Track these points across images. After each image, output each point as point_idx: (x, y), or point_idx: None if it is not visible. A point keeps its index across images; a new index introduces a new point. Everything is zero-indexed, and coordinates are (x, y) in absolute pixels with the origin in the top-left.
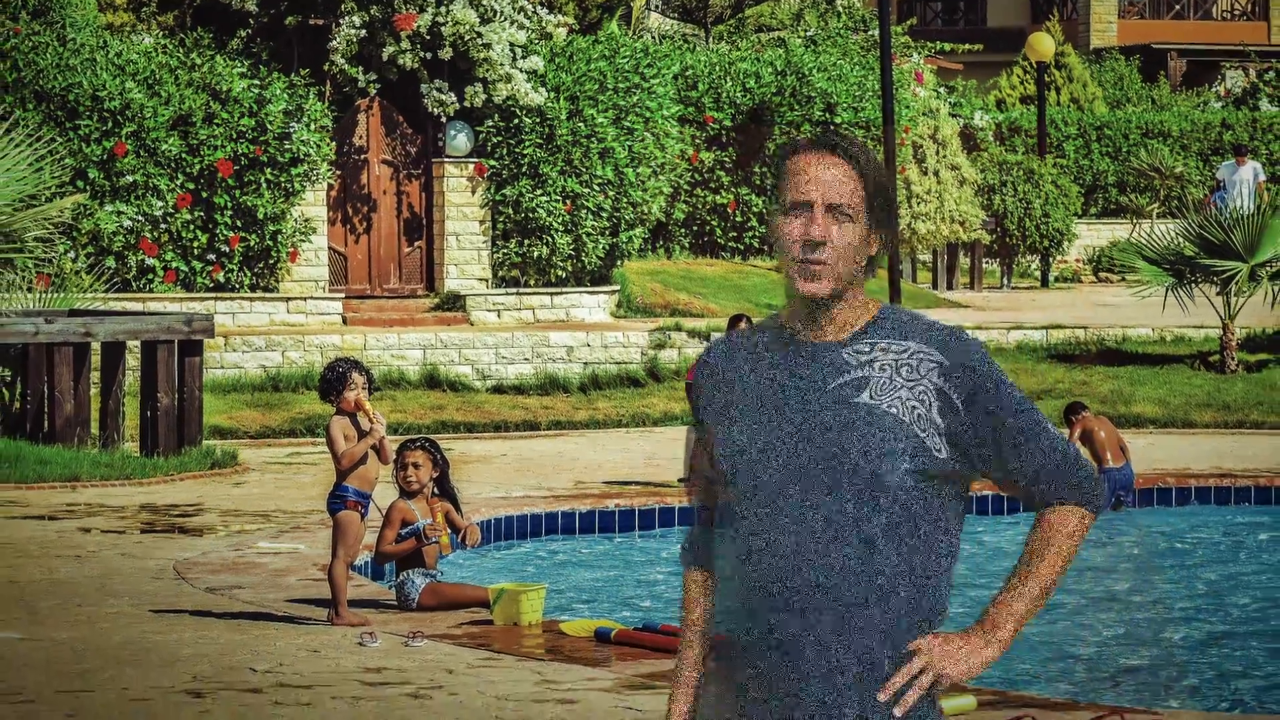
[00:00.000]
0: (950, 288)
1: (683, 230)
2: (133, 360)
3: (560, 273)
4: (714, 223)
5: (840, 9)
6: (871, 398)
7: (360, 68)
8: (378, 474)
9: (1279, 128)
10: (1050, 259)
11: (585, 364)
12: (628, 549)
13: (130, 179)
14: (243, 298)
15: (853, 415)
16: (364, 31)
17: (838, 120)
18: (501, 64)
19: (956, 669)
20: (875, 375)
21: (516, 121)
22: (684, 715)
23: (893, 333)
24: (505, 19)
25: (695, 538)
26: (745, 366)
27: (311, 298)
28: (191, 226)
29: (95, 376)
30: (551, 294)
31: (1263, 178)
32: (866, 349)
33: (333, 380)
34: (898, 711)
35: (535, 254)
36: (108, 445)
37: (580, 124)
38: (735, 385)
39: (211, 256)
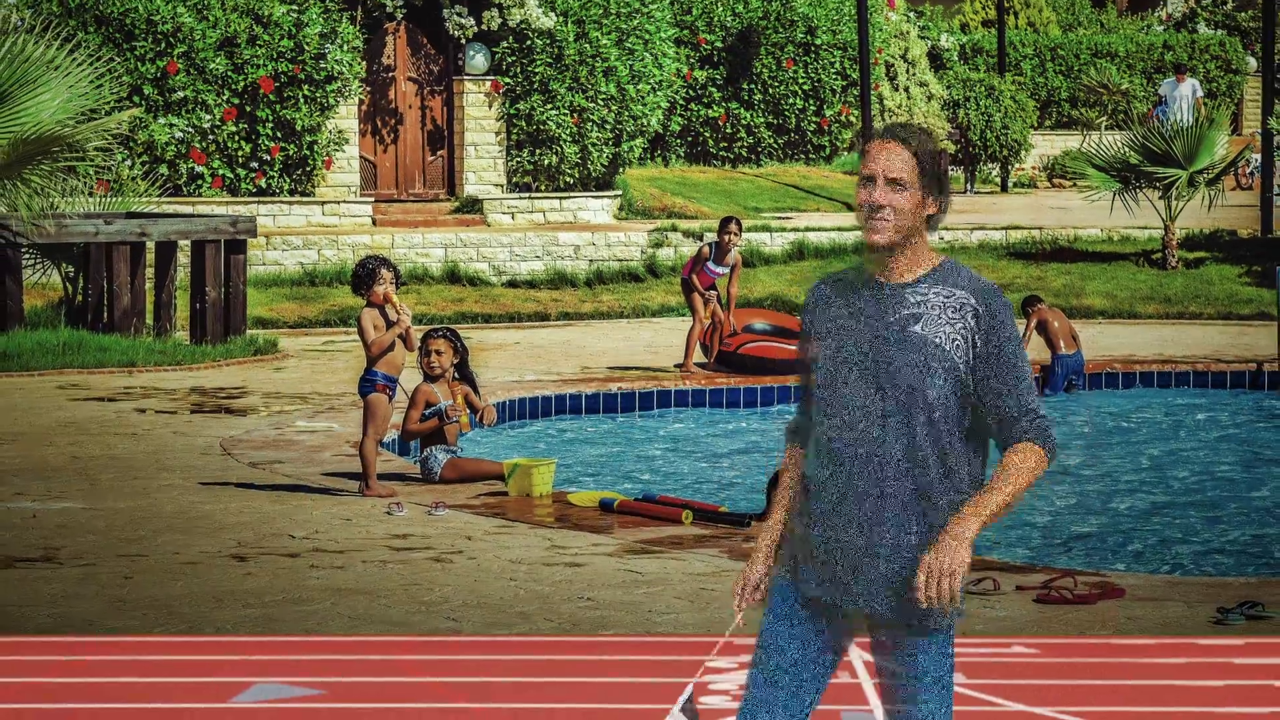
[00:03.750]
0: None
1: (678, 141)
2: (183, 258)
3: (568, 179)
4: (706, 134)
5: None
6: (922, 329)
7: None
8: (404, 360)
9: (1215, 49)
10: (1009, 167)
11: (591, 261)
12: (629, 427)
13: (181, 95)
14: (282, 201)
15: (906, 341)
16: None
17: (818, 41)
18: None
19: (950, 565)
20: (927, 312)
21: (529, 43)
22: (758, 579)
23: (945, 280)
24: None
25: (798, 421)
26: (838, 299)
27: (344, 201)
28: (236, 138)
29: (149, 272)
30: (560, 198)
31: (1200, 94)
32: (924, 291)
33: (364, 276)
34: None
35: (545, 162)
36: (161, 334)
37: (586, 45)
38: (830, 311)
39: (254, 164)
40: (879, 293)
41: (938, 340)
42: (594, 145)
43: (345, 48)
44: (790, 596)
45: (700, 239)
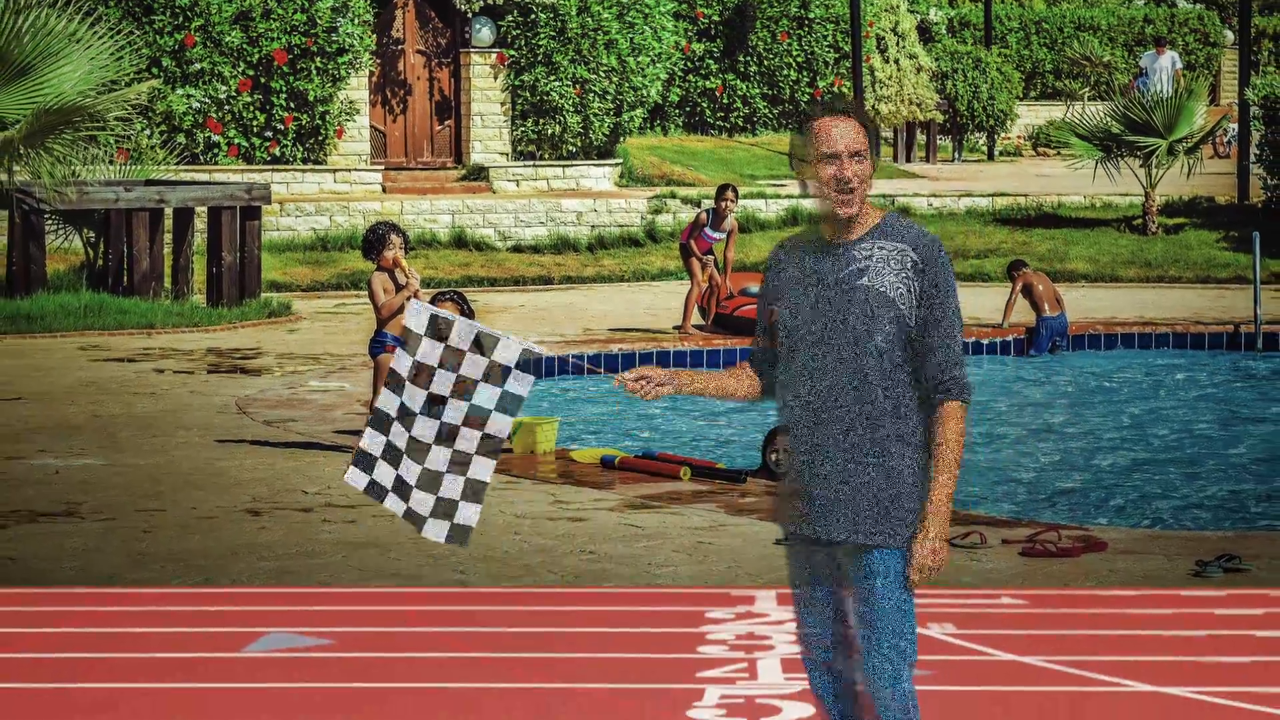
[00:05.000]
0: (909, 160)
1: (677, 111)
2: (200, 224)
3: (571, 148)
4: (704, 105)
5: None
6: (868, 281)
7: None
8: None
9: (1194, 22)
10: (995, 136)
11: (592, 227)
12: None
13: (198, 66)
14: (295, 169)
15: (854, 293)
16: None
17: (811, 15)
18: None
19: (938, 560)
20: (872, 265)
21: (533, 16)
22: (657, 377)
23: (888, 234)
24: None
25: (755, 351)
26: (794, 260)
27: (355, 169)
28: (251, 108)
29: (168, 238)
30: (563, 166)
31: (1179, 66)
32: (869, 247)
33: (374, 241)
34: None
35: (549, 131)
36: (178, 297)
37: (588, 18)
38: (787, 272)
39: (269, 134)
40: (830, 252)
41: (882, 289)
42: (595, 115)
43: (356, 21)
44: (799, 556)
45: (698, 205)
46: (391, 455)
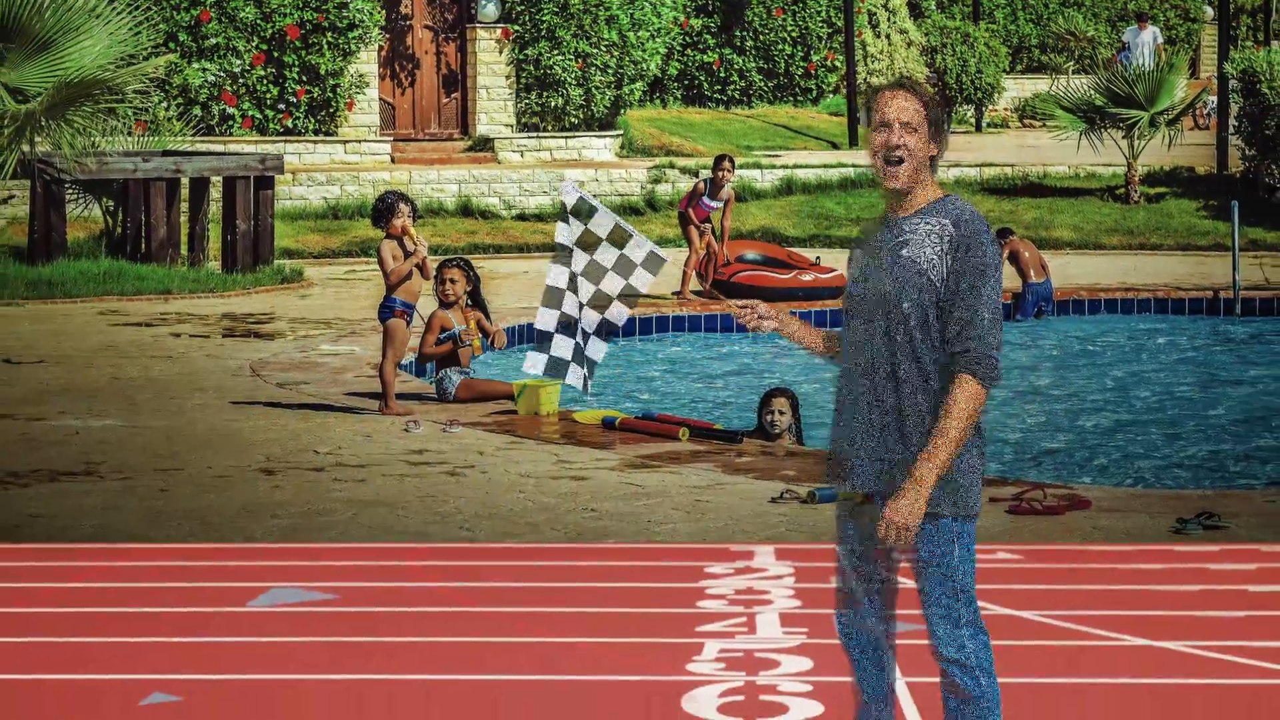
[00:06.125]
0: None
1: (675, 84)
2: (215, 193)
3: (573, 120)
4: (701, 78)
5: None
6: (908, 252)
7: None
8: (420, 288)
9: None
10: (983, 109)
11: (595, 196)
12: (630, 350)
13: (213, 41)
14: (307, 140)
15: (895, 263)
16: None
17: None
18: None
19: (905, 519)
20: (914, 238)
21: None
22: (775, 315)
23: (938, 212)
24: None
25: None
26: (869, 234)
27: (365, 140)
28: (265, 81)
29: (184, 206)
30: (566, 137)
31: (1161, 40)
32: (917, 221)
33: (383, 209)
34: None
35: (552, 104)
36: (194, 264)
37: None
38: (861, 246)
39: (281, 106)
40: (889, 226)
41: (917, 260)
42: (597, 88)
43: None
44: (846, 522)
45: (696, 175)
46: (565, 327)
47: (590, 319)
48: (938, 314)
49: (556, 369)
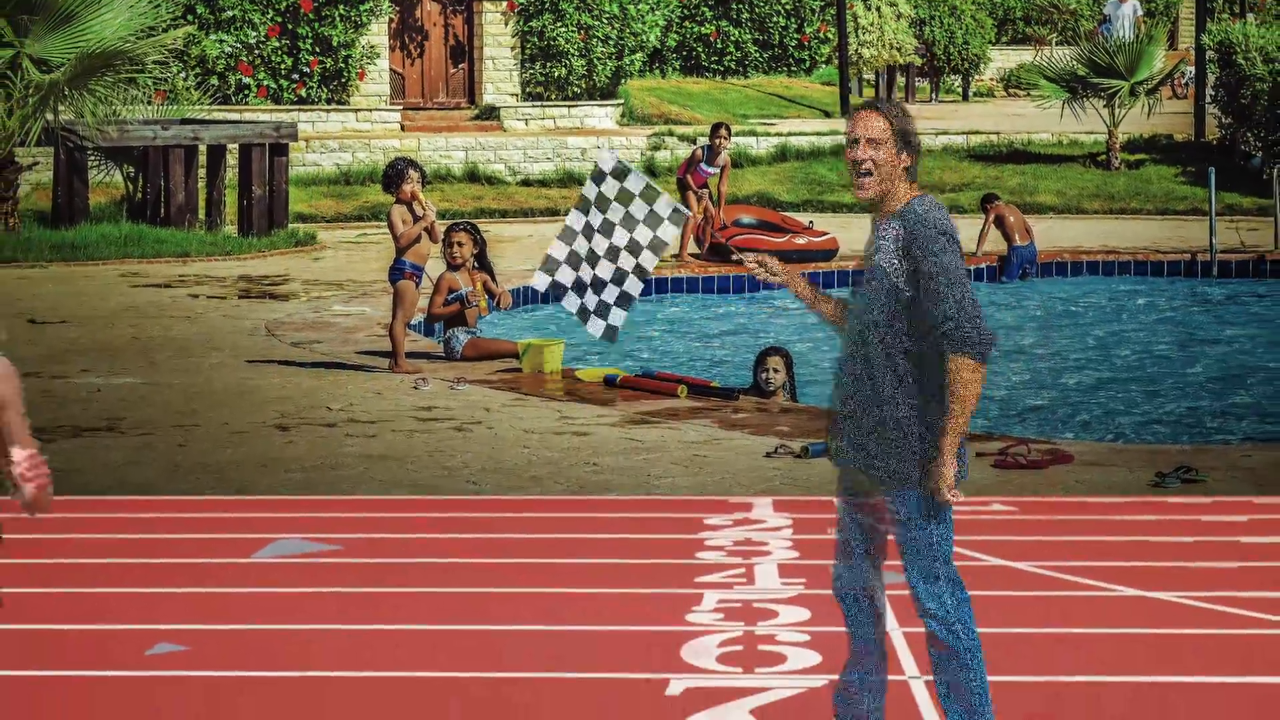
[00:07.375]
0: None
1: (674, 55)
2: (232, 160)
3: (576, 89)
4: (699, 49)
5: None
6: (878, 259)
7: None
8: (429, 251)
9: None
10: (969, 78)
11: (596, 163)
12: (630, 311)
13: (230, 13)
14: (320, 109)
15: (872, 271)
16: None
17: None
18: None
19: (939, 485)
20: (884, 245)
21: None
22: (783, 271)
23: (901, 218)
24: None
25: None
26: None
27: (376, 109)
28: (279, 52)
29: (202, 173)
30: (569, 106)
31: (1140, 13)
32: (886, 227)
33: (393, 175)
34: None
35: (555, 74)
36: (212, 228)
37: None
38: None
39: (295, 76)
40: (874, 229)
41: (885, 266)
42: (599, 59)
43: None
44: (844, 483)
45: (694, 143)
46: (574, 261)
47: (606, 269)
48: (906, 313)
49: (583, 316)
